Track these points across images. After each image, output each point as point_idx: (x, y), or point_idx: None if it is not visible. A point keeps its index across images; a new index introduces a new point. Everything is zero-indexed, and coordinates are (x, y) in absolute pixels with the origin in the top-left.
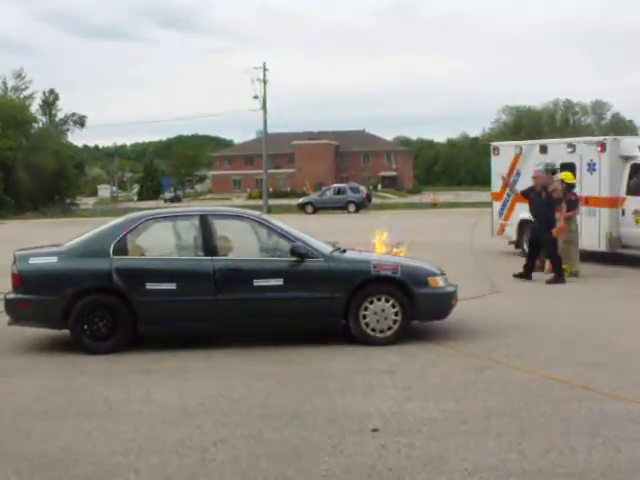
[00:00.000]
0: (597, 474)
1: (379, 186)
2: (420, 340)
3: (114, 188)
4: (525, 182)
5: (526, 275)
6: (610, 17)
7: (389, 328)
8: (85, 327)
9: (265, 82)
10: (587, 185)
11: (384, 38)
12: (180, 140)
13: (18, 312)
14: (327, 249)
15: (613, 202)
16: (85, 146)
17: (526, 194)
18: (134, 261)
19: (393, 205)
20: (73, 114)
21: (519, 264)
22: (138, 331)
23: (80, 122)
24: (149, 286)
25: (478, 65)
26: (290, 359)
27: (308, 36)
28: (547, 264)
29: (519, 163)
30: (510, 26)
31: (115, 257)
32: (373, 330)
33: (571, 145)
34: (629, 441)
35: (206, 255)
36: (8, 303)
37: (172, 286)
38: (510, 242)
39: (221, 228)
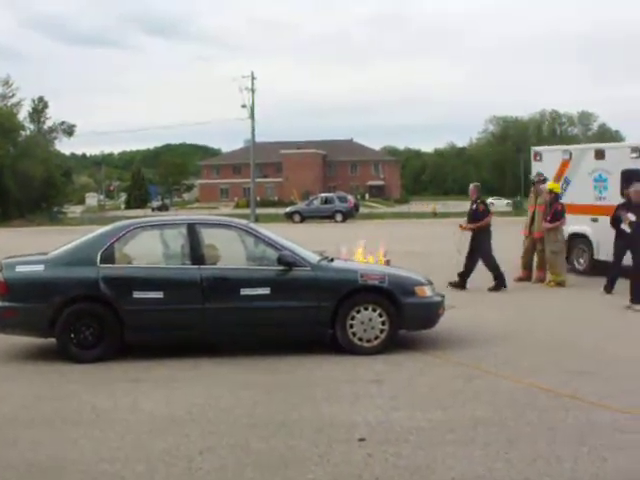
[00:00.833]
0: None
1: (367, 195)
2: (407, 349)
3: (101, 196)
4: (576, 191)
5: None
6: (597, 29)
7: (376, 337)
8: (72, 335)
9: (253, 91)
10: None
11: (371, 47)
12: (168, 149)
13: (4, 320)
14: (314, 258)
15: None
16: (73, 154)
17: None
18: (121, 269)
19: (381, 215)
20: (62, 122)
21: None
22: (125, 340)
23: (69, 131)
24: (136, 294)
25: (465, 75)
26: (277, 368)
27: (296, 44)
28: (535, 273)
29: (568, 170)
30: (497, 38)
31: (102, 265)
32: (360, 339)
33: (636, 149)
34: (615, 450)
35: (193, 264)
36: None
37: (159, 295)
38: None
39: (208, 237)
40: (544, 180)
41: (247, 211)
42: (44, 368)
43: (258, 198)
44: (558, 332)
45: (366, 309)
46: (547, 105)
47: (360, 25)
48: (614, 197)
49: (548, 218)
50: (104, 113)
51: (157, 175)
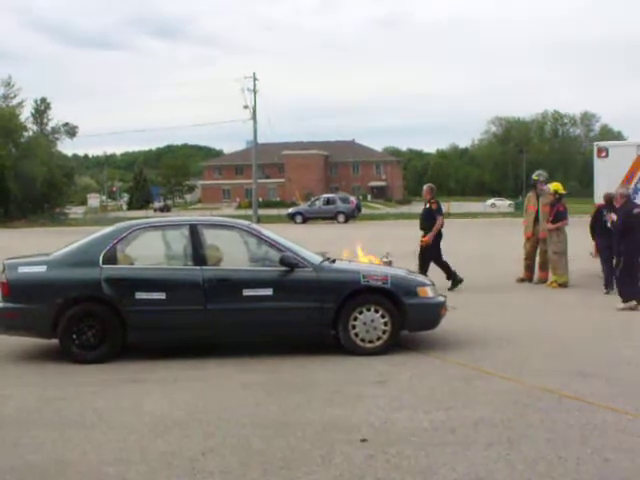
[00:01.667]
0: None
1: (369, 196)
2: (409, 350)
3: (104, 197)
4: None
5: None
6: (599, 30)
7: (378, 338)
8: (74, 337)
9: (255, 92)
10: None
11: (373, 48)
12: (170, 150)
13: (6, 321)
14: (316, 259)
15: None
16: (75, 155)
17: None
18: (123, 270)
19: (383, 215)
20: (65, 123)
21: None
22: (127, 340)
23: (71, 132)
24: (138, 295)
25: (467, 76)
26: (279, 369)
27: (298, 45)
28: (537, 274)
29: None
30: (499, 38)
31: (104, 266)
32: (362, 340)
33: None
34: (618, 451)
35: (195, 265)
36: None
37: (161, 295)
38: None
39: (211, 238)
40: (546, 181)
41: (249, 212)
42: (46, 369)
43: (260, 199)
44: (560, 333)
45: (368, 310)
46: (549, 106)
47: (362, 26)
48: None
49: (550, 219)
50: (107, 115)
51: (159, 176)
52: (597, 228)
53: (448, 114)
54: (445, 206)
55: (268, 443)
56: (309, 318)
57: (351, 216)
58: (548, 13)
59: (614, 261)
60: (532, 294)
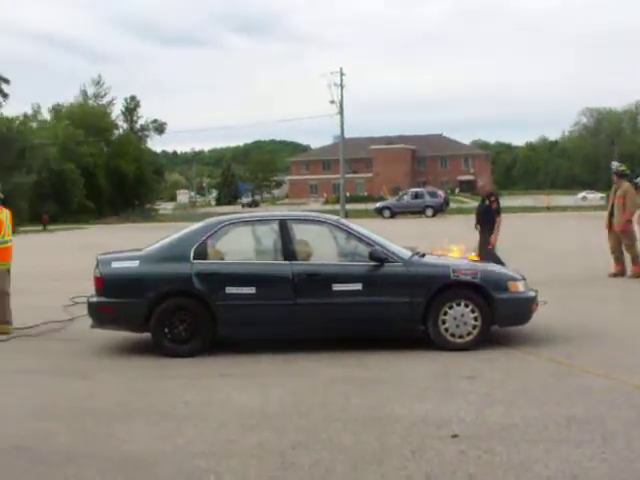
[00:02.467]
0: None
1: (457, 190)
2: (500, 346)
3: (192, 193)
4: None
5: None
6: None
7: (468, 333)
8: (166, 330)
9: (342, 87)
10: None
11: (462, 41)
12: (257, 145)
13: (100, 315)
14: (406, 253)
15: None
16: (164, 152)
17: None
18: (214, 265)
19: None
20: (154, 120)
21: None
22: (218, 335)
23: (160, 129)
24: (229, 290)
25: (558, 67)
26: (369, 364)
27: (386, 39)
28: (632, 268)
29: None
30: (590, 27)
31: (195, 261)
32: (452, 335)
33: None
34: None
35: (285, 259)
36: (91, 307)
37: (251, 290)
38: None
39: (300, 233)
40: (624, 173)
41: (337, 207)
42: (138, 363)
43: (348, 194)
44: None
45: (458, 305)
46: None
47: (451, 18)
48: None
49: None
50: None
51: (247, 172)
52: None
53: (537, 106)
54: (544, 200)
55: (358, 438)
56: (398, 313)
57: (439, 210)
58: None
59: None
60: (624, 288)
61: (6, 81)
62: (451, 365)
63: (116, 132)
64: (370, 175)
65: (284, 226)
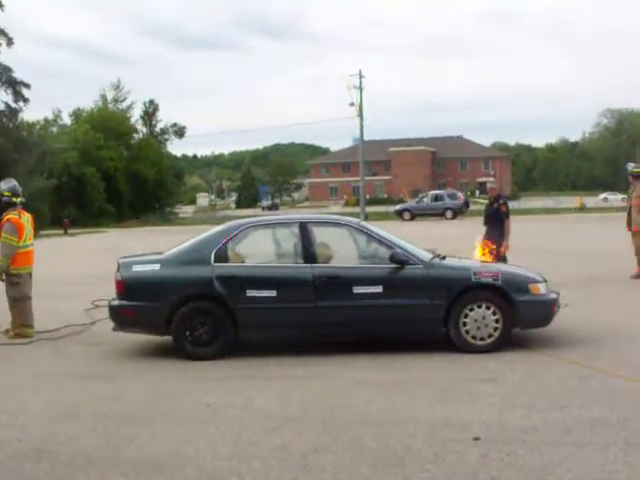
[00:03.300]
0: None
1: (477, 192)
2: (521, 348)
3: (212, 196)
4: None
5: None
6: None
7: (489, 336)
8: (187, 333)
9: (361, 89)
10: None
11: (481, 43)
12: (277, 148)
13: (122, 319)
14: (427, 256)
15: None
16: (184, 155)
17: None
18: (235, 268)
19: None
20: (174, 124)
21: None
22: (239, 337)
23: (180, 133)
24: (249, 293)
25: (578, 68)
26: (390, 366)
27: (405, 42)
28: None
29: None
30: (611, 27)
31: (216, 264)
32: (473, 338)
33: None
34: None
35: (306, 262)
36: (112, 310)
37: (272, 293)
38: None
39: (320, 235)
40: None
41: (357, 209)
42: (160, 366)
43: (367, 196)
44: None
45: (479, 307)
46: None
47: (469, 21)
48: None
49: None
50: (216, 115)
51: (267, 175)
52: None
53: (558, 107)
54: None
55: (380, 440)
56: (419, 315)
57: (459, 212)
58: None
59: None
60: None
61: (27, 86)
62: (472, 367)
63: (136, 136)
64: (390, 177)
65: (304, 229)
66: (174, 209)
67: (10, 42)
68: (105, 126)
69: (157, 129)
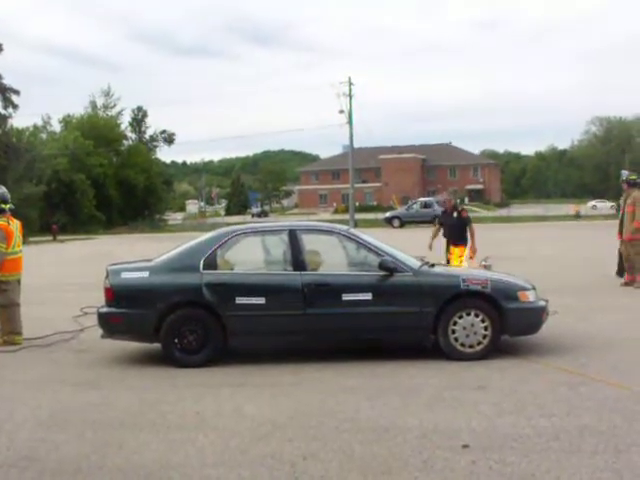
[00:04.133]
0: None
1: (466, 199)
2: (510, 355)
3: (202, 203)
4: None
5: None
6: None
7: (479, 343)
8: (176, 341)
9: (351, 96)
10: None
11: (470, 51)
12: (267, 155)
13: (110, 326)
14: (416, 263)
15: None
16: (173, 162)
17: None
18: (224, 276)
19: (481, 219)
20: (163, 131)
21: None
22: (228, 345)
23: (169, 139)
24: (239, 300)
25: (566, 76)
26: (379, 374)
27: (394, 50)
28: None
29: None
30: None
31: (205, 272)
32: (462, 345)
33: None
34: None
35: (295, 270)
36: (101, 317)
37: (261, 300)
38: None
39: (309, 243)
40: (634, 182)
41: (346, 217)
42: (149, 373)
43: (357, 203)
44: None
45: (468, 314)
46: None
47: (459, 29)
48: None
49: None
50: (205, 122)
51: (256, 182)
52: None
53: (546, 115)
54: (573, 208)
55: (369, 448)
56: (408, 322)
57: None
58: None
59: None
60: (635, 298)
61: (16, 92)
62: (461, 375)
63: (125, 143)
64: (379, 185)
65: (294, 236)
66: (163, 216)
67: None
68: (95, 133)
69: (146, 136)
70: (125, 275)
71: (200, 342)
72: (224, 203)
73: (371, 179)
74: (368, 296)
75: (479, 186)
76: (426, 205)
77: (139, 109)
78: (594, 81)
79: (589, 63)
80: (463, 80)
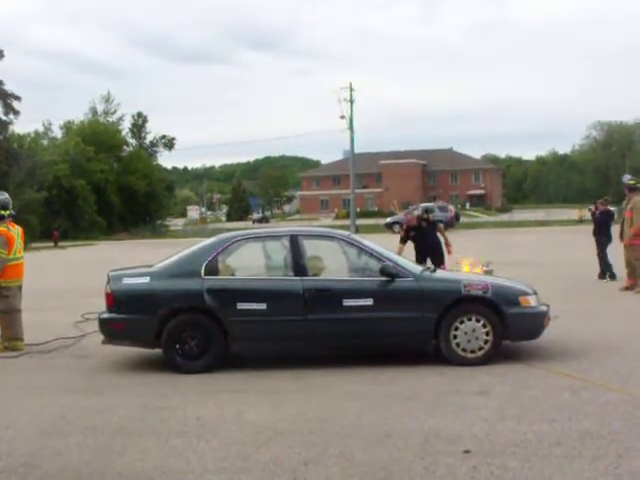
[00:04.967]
0: None
1: (467, 205)
2: (512, 360)
3: (203, 209)
4: None
5: None
6: None
7: (480, 348)
8: (177, 346)
9: (352, 102)
10: None
11: (471, 56)
12: (268, 161)
13: (111, 331)
14: (417, 268)
15: None
16: (174, 168)
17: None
18: (225, 281)
19: (483, 224)
20: (163, 136)
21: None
22: (229, 351)
23: (169, 144)
24: (240, 306)
25: (567, 81)
26: (380, 379)
27: (396, 55)
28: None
29: None
30: (598, 41)
31: (206, 277)
32: (464, 350)
33: None
34: None
35: (296, 275)
36: (102, 322)
37: (262, 306)
38: None
39: (311, 248)
40: (635, 187)
41: (347, 222)
42: (150, 379)
43: (358, 209)
44: None
45: (470, 319)
46: None
47: (460, 34)
48: None
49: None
50: (207, 128)
51: (258, 187)
52: None
53: (548, 120)
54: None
55: (370, 454)
56: (410, 328)
57: (449, 225)
58: None
59: None
60: (636, 302)
61: (17, 98)
62: (463, 380)
63: (126, 149)
64: (380, 190)
65: (295, 242)
66: (165, 222)
67: (0, 55)
68: (96, 138)
69: (146, 141)
70: (126, 281)
71: (201, 348)
72: (225, 209)
73: (372, 184)
74: (369, 301)
75: (480, 191)
76: (427, 210)
77: (139, 115)
78: (595, 86)
79: (590, 68)
80: (464, 85)
